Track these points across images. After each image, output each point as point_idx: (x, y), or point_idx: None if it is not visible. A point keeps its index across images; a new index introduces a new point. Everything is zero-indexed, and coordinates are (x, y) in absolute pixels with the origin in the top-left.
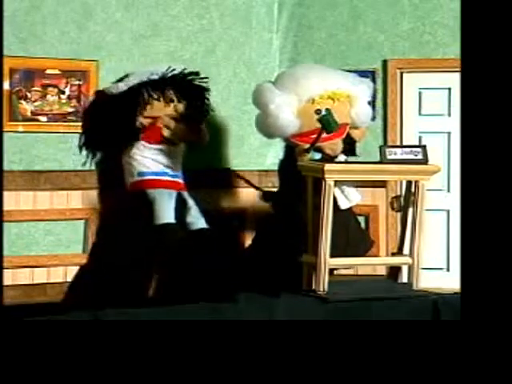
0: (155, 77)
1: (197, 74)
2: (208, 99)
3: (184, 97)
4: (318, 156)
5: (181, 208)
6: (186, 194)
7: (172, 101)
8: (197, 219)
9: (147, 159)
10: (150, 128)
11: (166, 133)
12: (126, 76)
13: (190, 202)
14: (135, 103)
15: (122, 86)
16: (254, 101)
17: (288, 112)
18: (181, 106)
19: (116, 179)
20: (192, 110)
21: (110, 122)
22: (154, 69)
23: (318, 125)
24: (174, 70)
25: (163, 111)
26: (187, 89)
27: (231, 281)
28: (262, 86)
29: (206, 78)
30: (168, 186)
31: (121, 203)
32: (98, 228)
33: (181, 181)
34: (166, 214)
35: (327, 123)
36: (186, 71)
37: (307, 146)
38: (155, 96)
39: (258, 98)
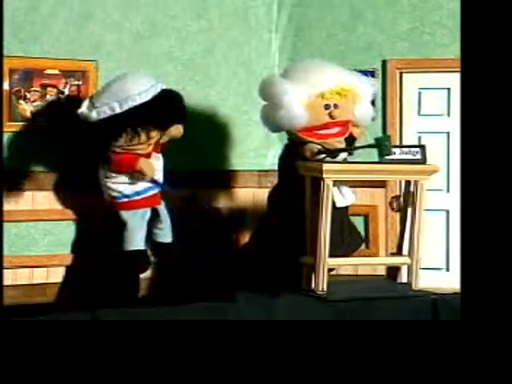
0: (126, 107)
1: (172, 96)
2: (184, 114)
3: (158, 121)
4: (320, 156)
5: (151, 219)
6: (160, 208)
7: (140, 133)
8: (162, 232)
9: (118, 184)
10: (122, 158)
11: (142, 170)
12: (97, 95)
13: (163, 216)
14: (106, 138)
15: (93, 115)
16: (262, 93)
17: (299, 105)
18: (154, 133)
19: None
20: (168, 126)
21: (79, 146)
22: (123, 88)
23: (326, 120)
24: (148, 94)
25: (134, 142)
26: (163, 113)
27: (230, 280)
28: (273, 78)
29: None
30: (141, 206)
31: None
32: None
33: (157, 192)
34: (136, 240)
35: (384, 148)
36: (159, 97)
37: (319, 147)
38: (126, 132)
39: (270, 89)
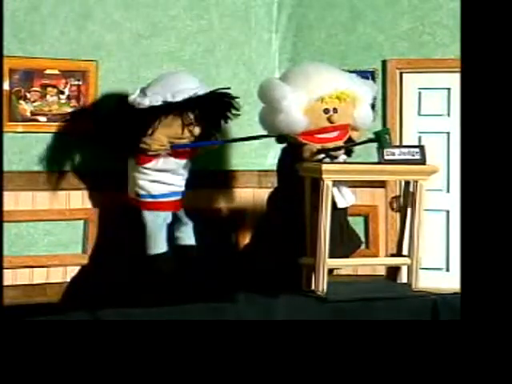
0: (179, 98)
1: (227, 96)
2: (229, 117)
3: (204, 118)
4: (320, 156)
5: (174, 223)
6: (181, 213)
7: (190, 124)
8: (185, 235)
9: (146, 182)
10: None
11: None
12: (148, 86)
13: (184, 220)
14: (153, 126)
15: (145, 102)
16: (262, 95)
17: (298, 109)
18: (197, 129)
19: (118, 181)
20: (209, 128)
21: (125, 135)
22: (177, 81)
23: (325, 124)
24: (199, 91)
25: (178, 135)
26: (210, 111)
27: (231, 281)
28: (272, 81)
29: (237, 97)
30: (165, 209)
31: (120, 208)
32: (98, 229)
33: (180, 198)
34: (159, 243)
35: (384, 140)
36: (214, 94)
37: (318, 146)
38: (175, 121)
39: (269, 93)
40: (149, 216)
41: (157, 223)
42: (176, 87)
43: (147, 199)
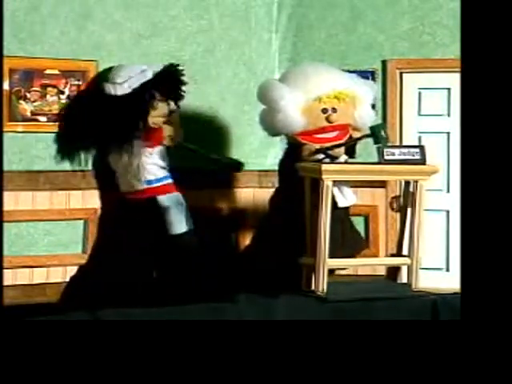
0: (149, 75)
1: (178, 67)
2: (183, 92)
3: (171, 94)
4: (320, 156)
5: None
6: (180, 195)
7: (163, 100)
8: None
9: (152, 165)
10: (152, 131)
11: (168, 134)
12: (111, 70)
13: (184, 204)
14: (145, 106)
15: (124, 88)
16: (260, 96)
17: (295, 109)
18: (172, 104)
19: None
20: (176, 106)
21: (116, 125)
22: (135, 66)
23: (323, 124)
24: (161, 67)
25: (163, 111)
26: (173, 85)
27: (231, 281)
28: (271, 82)
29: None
30: (171, 191)
31: (120, 207)
32: (98, 229)
33: (173, 181)
34: (181, 221)
35: (380, 136)
36: (170, 67)
37: (317, 146)
38: (158, 96)
39: (268, 93)
40: (163, 198)
41: (172, 204)
42: (139, 68)
43: (156, 184)
